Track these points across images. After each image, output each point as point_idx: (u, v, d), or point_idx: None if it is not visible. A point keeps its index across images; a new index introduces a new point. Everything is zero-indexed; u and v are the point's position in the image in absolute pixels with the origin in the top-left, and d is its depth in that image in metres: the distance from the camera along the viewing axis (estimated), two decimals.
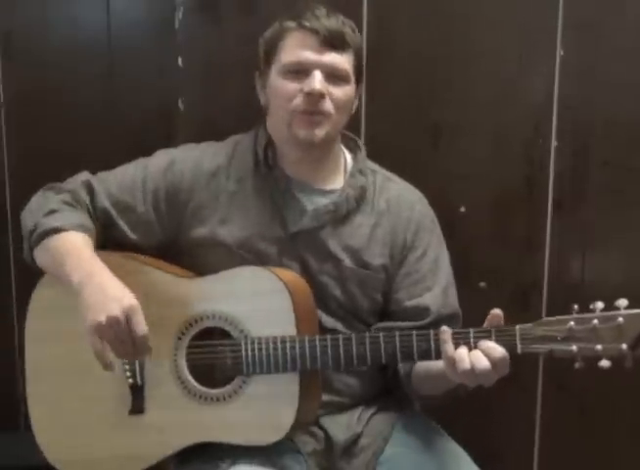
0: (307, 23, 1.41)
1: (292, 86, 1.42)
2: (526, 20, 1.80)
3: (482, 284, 1.89)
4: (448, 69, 1.83)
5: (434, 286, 1.51)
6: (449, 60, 1.83)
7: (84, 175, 1.54)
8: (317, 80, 1.39)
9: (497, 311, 1.30)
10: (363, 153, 1.56)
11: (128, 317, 1.30)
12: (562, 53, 1.80)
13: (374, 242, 1.50)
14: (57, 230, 1.42)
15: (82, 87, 1.93)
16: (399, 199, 1.53)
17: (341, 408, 1.49)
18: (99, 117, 1.93)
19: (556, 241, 1.87)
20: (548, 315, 1.85)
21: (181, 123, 1.91)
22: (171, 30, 1.88)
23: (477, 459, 1.45)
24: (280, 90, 1.43)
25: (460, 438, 1.50)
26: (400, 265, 1.51)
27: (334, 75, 1.42)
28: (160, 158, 1.54)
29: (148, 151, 1.77)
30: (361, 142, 1.58)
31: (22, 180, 1.98)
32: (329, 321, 1.48)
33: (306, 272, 1.47)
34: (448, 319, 1.50)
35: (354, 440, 1.47)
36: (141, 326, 1.31)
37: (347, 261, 1.48)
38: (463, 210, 1.88)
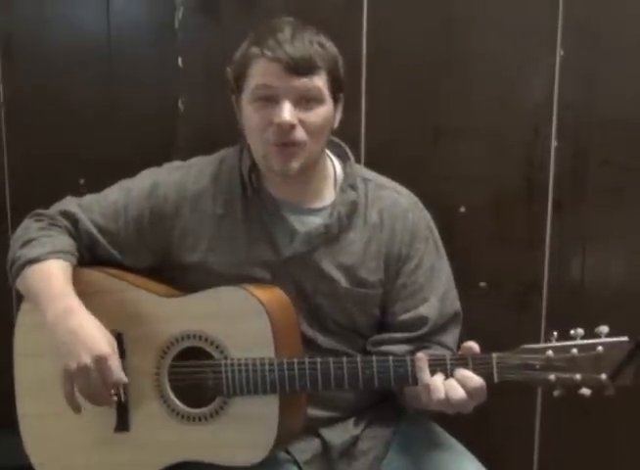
0: (269, 53, 1.33)
1: (262, 117, 1.36)
2: (526, 20, 1.79)
3: (482, 284, 1.89)
4: (448, 70, 1.83)
5: (431, 296, 1.48)
6: (449, 61, 1.82)
7: (69, 201, 1.53)
8: (286, 111, 1.33)
9: (470, 344, 1.29)
10: (352, 160, 1.51)
11: (100, 365, 1.30)
12: (562, 53, 1.79)
13: (368, 257, 1.46)
14: (32, 261, 1.41)
15: (82, 87, 1.93)
16: (392, 208, 1.49)
17: (338, 421, 1.48)
18: (99, 117, 1.93)
19: (556, 241, 1.87)
20: (548, 315, 1.90)
21: (181, 123, 1.91)
22: (171, 30, 1.88)
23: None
24: (251, 120, 1.38)
25: (459, 439, 1.50)
26: (396, 277, 1.48)
27: (305, 99, 1.35)
28: (144, 181, 1.50)
29: (148, 151, 1.78)
30: (348, 148, 1.53)
31: (23, 180, 1.99)
32: (325, 341, 1.46)
33: (301, 295, 1.44)
34: (445, 325, 1.49)
35: (352, 442, 1.47)
36: (114, 373, 1.31)
37: (343, 281, 1.45)
38: (463, 210, 1.87)
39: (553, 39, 1.79)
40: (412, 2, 1.83)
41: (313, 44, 1.36)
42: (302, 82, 1.34)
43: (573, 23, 1.78)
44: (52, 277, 1.39)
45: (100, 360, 1.30)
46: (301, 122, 1.36)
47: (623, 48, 1.78)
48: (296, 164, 1.38)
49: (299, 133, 1.36)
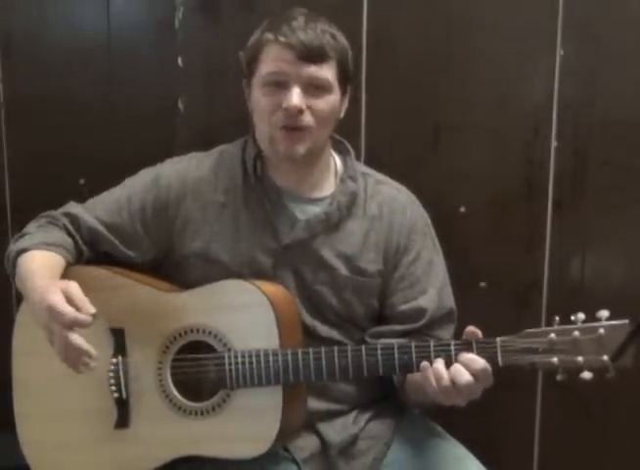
0: (282, 38, 1.37)
1: (271, 101, 1.39)
2: (527, 20, 1.80)
3: (482, 284, 1.89)
4: (448, 69, 1.83)
5: (429, 288, 1.50)
6: (449, 60, 1.82)
7: (72, 204, 1.55)
8: (295, 95, 1.37)
9: (473, 329, 1.30)
10: (352, 156, 1.54)
11: (52, 314, 1.26)
12: (562, 53, 1.79)
13: (367, 248, 1.48)
14: (21, 251, 1.42)
15: (82, 87, 1.93)
16: (391, 202, 1.51)
17: (338, 415, 1.48)
18: (99, 117, 1.93)
19: (556, 241, 1.87)
20: (548, 315, 1.89)
21: (181, 123, 1.91)
22: (171, 30, 1.88)
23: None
24: (260, 104, 1.41)
25: (459, 438, 1.50)
26: (394, 269, 1.50)
27: (314, 86, 1.39)
28: (145, 175, 1.53)
29: (148, 151, 1.78)
30: (349, 144, 1.55)
31: (23, 180, 1.98)
32: (324, 330, 1.47)
33: (301, 282, 1.46)
34: (442, 320, 1.50)
35: (351, 441, 1.47)
36: (63, 314, 1.24)
37: (342, 269, 1.47)
38: (463, 210, 1.87)
39: (553, 39, 1.79)
40: (412, 2, 1.83)
41: (325, 34, 1.39)
42: (312, 70, 1.38)
43: (573, 23, 1.78)
44: (34, 264, 1.39)
45: (50, 310, 1.26)
46: (309, 108, 1.39)
47: (623, 48, 1.78)
48: (301, 149, 1.41)
49: (307, 118, 1.39)
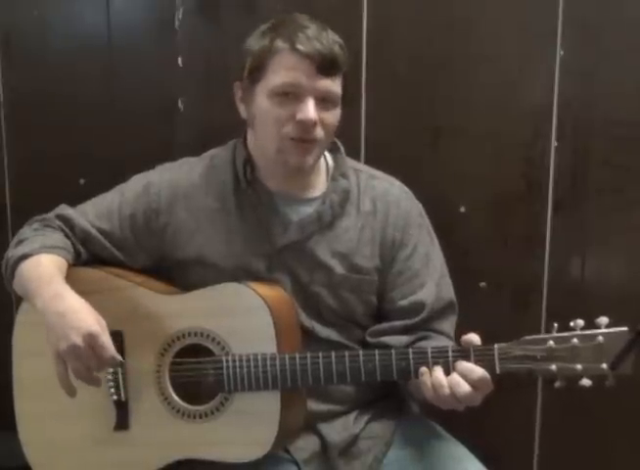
0: (301, 47, 1.34)
1: (282, 112, 1.37)
2: (527, 20, 1.80)
3: (482, 284, 1.89)
4: (448, 68, 1.83)
5: (427, 281, 1.49)
6: (449, 60, 1.82)
7: (63, 207, 1.54)
8: (311, 109, 1.36)
9: (471, 337, 1.29)
10: (343, 153, 1.53)
11: (91, 343, 1.29)
12: (562, 53, 1.79)
13: (363, 244, 1.48)
14: (23, 257, 1.42)
15: (82, 87, 1.93)
16: (384, 197, 1.51)
17: (338, 415, 1.48)
18: (99, 117, 1.93)
19: (556, 241, 1.87)
20: (548, 315, 1.90)
21: (181, 123, 1.91)
22: (171, 30, 1.88)
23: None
24: (270, 115, 1.39)
25: (459, 437, 1.50)
26: (392, 264, 1.49)
27: (326, 100, 1.38)
28: (136, 182, 1.53)
29: (148, 151, 1.78)
30: (338, 141, 1.54)
31: (23, 180, 1.99)
32: (323, 331, 1.47)
33: (298, 284, 1.46)
34: (442, 312, 1.50)
35: (352, 441, 1.47)
36: (106, 350, 1.30)
37: (338, 268, 1.46)
38: (463, 210, 1.87)
39: (553, 39, 1.79)
40: (412, 2, 1.83)
41: (336, 43, 1.39)
42: (327, 84, 1.37)
43: (573, 23, 1.78)
44: (41, 267, 1.39)
45: (90, 338, 1.28)
46: (320, 121, 1.38)
47: (623, 48, 1.78)
48: (310, 160, 1.42)
49: (319, 131, 1.39)
